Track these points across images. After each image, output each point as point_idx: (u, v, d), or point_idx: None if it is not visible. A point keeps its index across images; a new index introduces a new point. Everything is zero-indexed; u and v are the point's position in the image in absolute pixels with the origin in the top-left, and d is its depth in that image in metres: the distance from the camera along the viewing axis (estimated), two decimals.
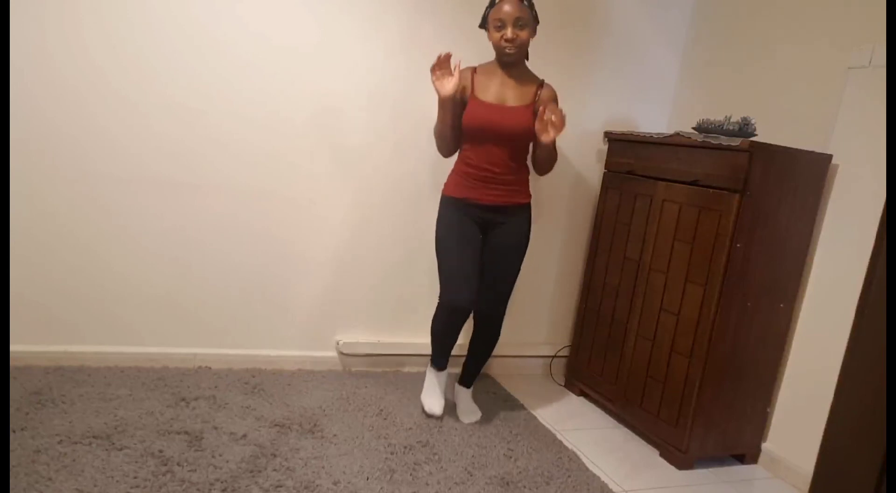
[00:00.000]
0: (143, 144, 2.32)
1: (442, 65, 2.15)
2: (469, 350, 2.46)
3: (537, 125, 2.16)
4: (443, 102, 2.19)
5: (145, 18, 2.24)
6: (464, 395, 2.48)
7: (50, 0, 2.13)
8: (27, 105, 2.17)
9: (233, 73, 2.37)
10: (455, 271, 2.25)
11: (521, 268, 2.38)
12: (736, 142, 2.14)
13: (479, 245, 2.31)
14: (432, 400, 2.40)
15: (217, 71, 2.35)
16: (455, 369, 2.62)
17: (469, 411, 2.44)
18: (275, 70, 2.42)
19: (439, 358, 2.42)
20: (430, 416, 2.38)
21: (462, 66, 2.23)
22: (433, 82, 2.17)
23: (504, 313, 2.39)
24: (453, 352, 2.43)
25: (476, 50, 2.38)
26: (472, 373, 2.48)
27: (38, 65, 2.16)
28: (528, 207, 2.34)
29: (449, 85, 2.15)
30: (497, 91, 2.24)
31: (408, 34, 2.56)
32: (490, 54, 2.28)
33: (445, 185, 2.35)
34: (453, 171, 2.34)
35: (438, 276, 2.29)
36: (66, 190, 2.27)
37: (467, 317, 2.30)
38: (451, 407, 2.47)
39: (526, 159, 2.33)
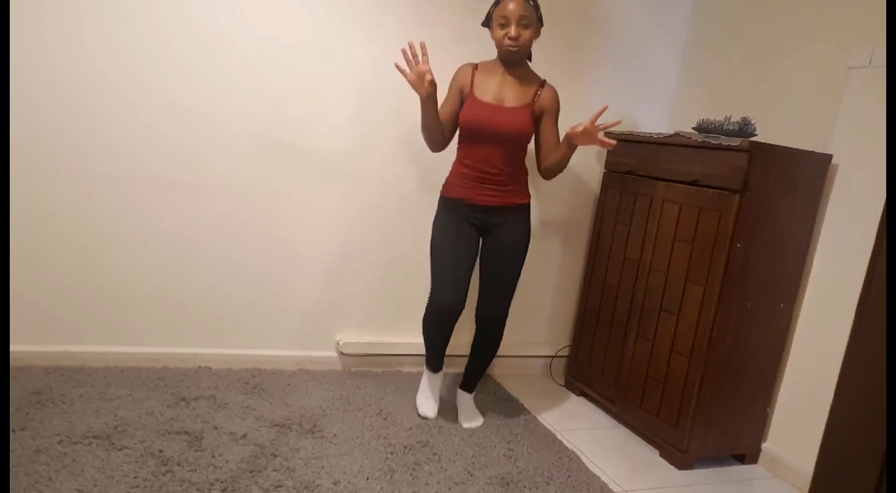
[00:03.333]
0: (143, 144, 2.33)
1: (408, 59, 2.07)
2: (471, 355, 2.42)
3: (577, 130, 2.12)
4: (425, 101, 2.14)
5: (145, 18, 2.24)
6: (465, 400, 2.44)
7: (50, 0, 2.13)
8: (27, 105, 2.17)
9: (233, 73, 2.37)
10: (445, 274, 2.24)
11: (522, 268, 2.36)
12: (736, 142, 2.14)
13: (474, 247, 2.28)
14: (426, 403, 2.40)
15: (217, 71, 2.35)
16: (452, 369, 2.62)
17: (470, 417, 2.41)
18: (274, 70, 2.42)
19: (433, 360, 2.41)
20: (423, 418, 2.37)
21: (434, 57, 2.15)
22: (413, 85, 2.10)
23: (506, 317, 2.32)
24: (456, 352, 2.41)
25: (478, 49, 2.38)
26: (473, 378, 2.44)
27: (38, 65, 2.16)
28: (526, 207, 2.29)
29: (425, 87, 2.08)
30: (496, 90, 2.21)
31: (407, 34, 2.55)
32: (492, 54, 2.27)
33: (443, 185, 2.33)
34: (451, 171, 2.31)
35: (431, 276, 2.29)
36: (66, 190, 2.27)
37: (456, 319, 2.29)
38: (448, 410, 2.47)
39: (523, 160, 2.29)
